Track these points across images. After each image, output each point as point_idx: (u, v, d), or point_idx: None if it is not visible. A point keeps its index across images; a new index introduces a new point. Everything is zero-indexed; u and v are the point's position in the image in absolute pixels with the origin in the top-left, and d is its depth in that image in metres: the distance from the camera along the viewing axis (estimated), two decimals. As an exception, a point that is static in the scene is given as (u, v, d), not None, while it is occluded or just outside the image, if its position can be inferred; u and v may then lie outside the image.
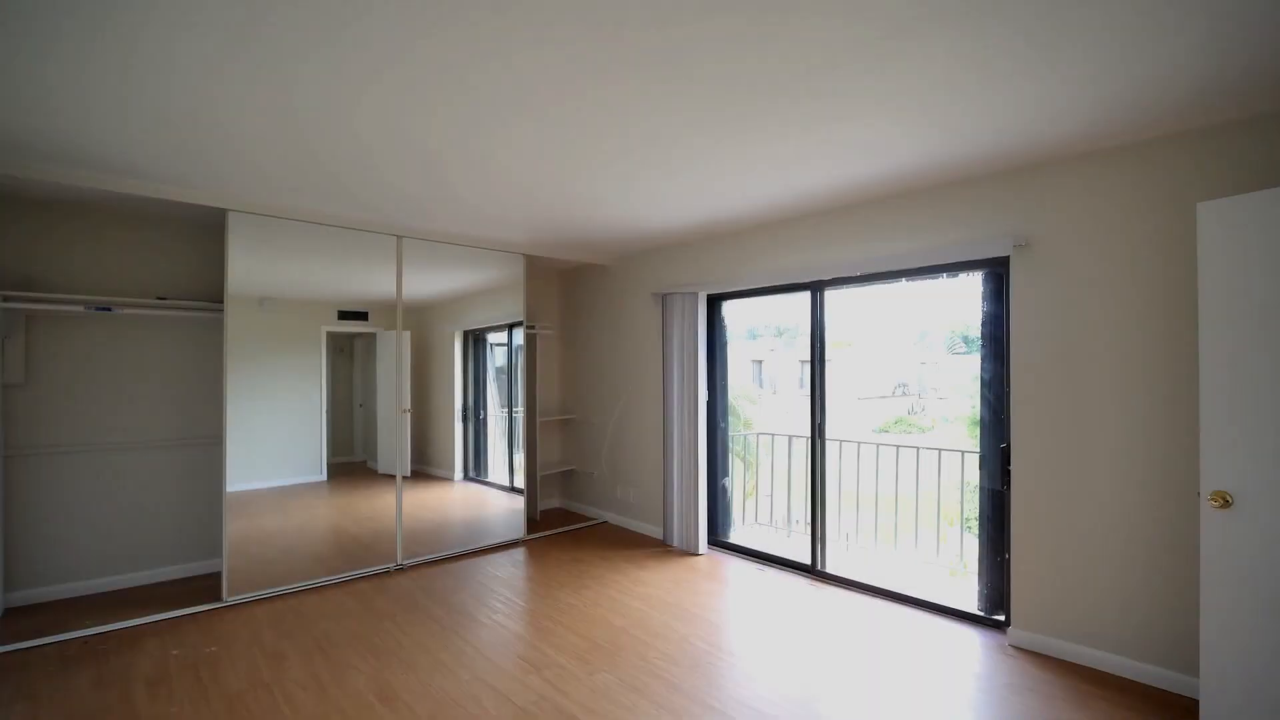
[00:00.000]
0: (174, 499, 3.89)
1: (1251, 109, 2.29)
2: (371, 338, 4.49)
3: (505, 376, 5.14)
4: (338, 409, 4.55)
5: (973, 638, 3.06)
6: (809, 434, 3.97)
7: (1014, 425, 2.99)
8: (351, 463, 4.70)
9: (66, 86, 2.11)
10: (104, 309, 3.51)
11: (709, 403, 4.53)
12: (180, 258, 3.92)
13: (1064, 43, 1.83)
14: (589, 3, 1.63)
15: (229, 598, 3.48)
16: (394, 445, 4.26)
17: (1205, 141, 2.45)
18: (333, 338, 4.24)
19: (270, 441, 3.90)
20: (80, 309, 3.45)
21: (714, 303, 4.58)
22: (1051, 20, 1.71)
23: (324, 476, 4.22)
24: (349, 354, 4.72)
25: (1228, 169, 2.40)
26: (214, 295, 3.84)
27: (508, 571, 4.08)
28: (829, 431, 3.97)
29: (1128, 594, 2.66)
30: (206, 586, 3.70)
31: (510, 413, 5.13)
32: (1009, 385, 3.01)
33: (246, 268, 3.59)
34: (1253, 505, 2.08)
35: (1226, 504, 2.12)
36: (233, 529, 3.55)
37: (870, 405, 11.01)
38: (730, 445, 4.80)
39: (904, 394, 11.15)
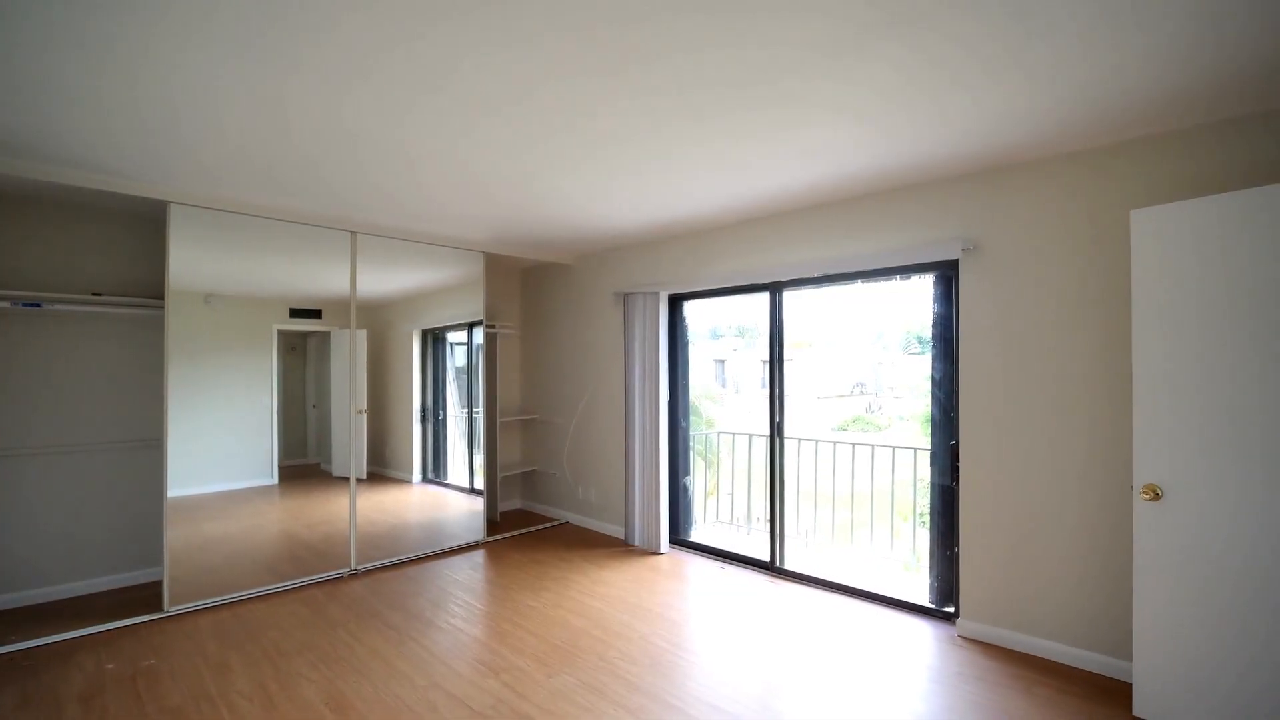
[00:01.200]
0: (111, 505, 3.70)
1: (1184, 122, 2.42)
2: (325, 336, 4.35)
3: (465, 376, 5.06)
4: (290, 410, 4.40)
5: (924, 629, 3.14)
6: (768, 433, 4.02)
7: (963, 423, 3.08)
8: (305, 465, 4.55)
9: (-13, 67, 1.98)
10: (33, 305, 3.32)
11: (670, 402, 4.55)
12: (118, 251, 3.73)
13: (1009, 55, 1.89)
14: (565, 4, 1.65)
15: (170, 608, 3.33)
16: (349, 447, 4.15)
17: (1141, 151, 2.58)
18: (284, 336, 4.10)
19: (217, 444, 3.75)
20: (6, 304, 3.25)
21: (675, 302, 4.59)
22: (998, 30, 1.77)
23: (275, 480, 4.07)
24: (302, 353, 4.57)
25: (1161, 178, 2.53)
26: (155, 291, 3.67)
27: (466, 575, 4.02)
28: (788, 430, 4.03)
29: (1070, 584, 2.77)
30: (146, 596, 3.53)
31: (470, 413, 5.05)
32: (958, 384, 3.11)
33: (191, 262, 3.44)
34: (1181, 497, 2.20)
35: (1157, 496, 2.23)
36: (175, 535, 3.40)
37: (830, 404, 11.23)
38: (692, 444, 4.83)
39: (862, 393, 11.41)
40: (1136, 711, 2.31)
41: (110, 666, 2.77)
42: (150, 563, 3.77)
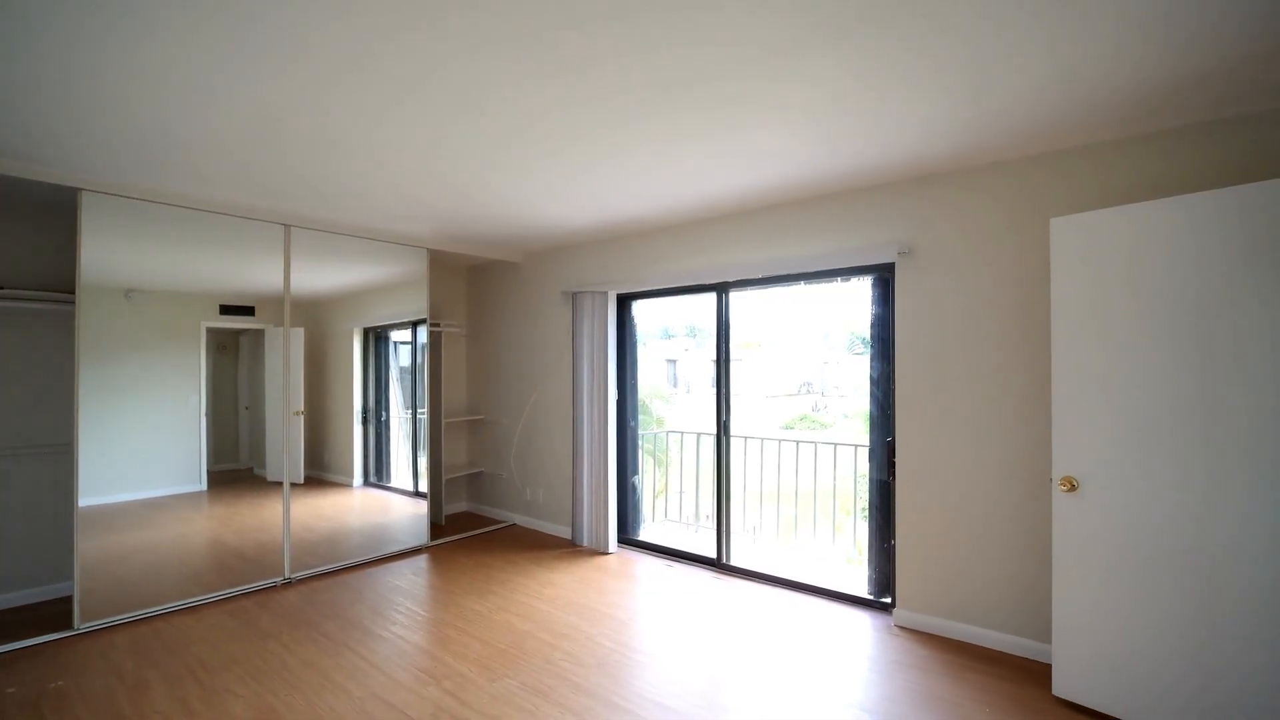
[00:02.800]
0: (15, 515, 3.43)
1: (1097, 136, 2.57)
2: (259, 334, 4.15)
3: (409, 376, 4.92)
4: (221, 412, 4.18)
5: (864, 620, 3.24)
6: (715, 431, 4.06)
7: (898, 420, 3.19)
8: (236, 470, 4.33)
9: None
10: (-78, 299, 3.05)
11: (619, 402, 4.54)
12: (22, 242, 3.47)
13: (935, 68, 1.96)
14: (516, 11, 1.68)
15: (82, 625, 3.11)
16: (284, 450, 3.97)
17: (1061, 162, 2.72)
18: (214, 334, 3.90)
19: (139, 448, 3.52)
20: (-110, 299, 2.97)
21: (624, 302, 4.59)
22: (927, 44, 1.83)
23: (203, 486, 3.87)
24: (233, 352, 4.34)
25: (1080, 188, 2.68)
26: (66, 285, 3.41)
27: (409, 580, 3.91)
28: (735, 429, 4.08)
29: (998, 573, 2.90)
30: (54, 613, 3.29)
31: (415, 414, 4.91)
32: (894, 383, 3.21)
33: (108, 255, 3.22)
34: (1095, 488, 2.33)
35: (1074, 488, 2.36)
36: (89, 547, 3.17)
37: (778, 403, 11.45)
38: (641, 443, 4.84)
39: (808, 392, 11.67)
40: (1056, 691, 2.44)
41: (11, 690, 2.56)
42: (60, 577, 3.51)
